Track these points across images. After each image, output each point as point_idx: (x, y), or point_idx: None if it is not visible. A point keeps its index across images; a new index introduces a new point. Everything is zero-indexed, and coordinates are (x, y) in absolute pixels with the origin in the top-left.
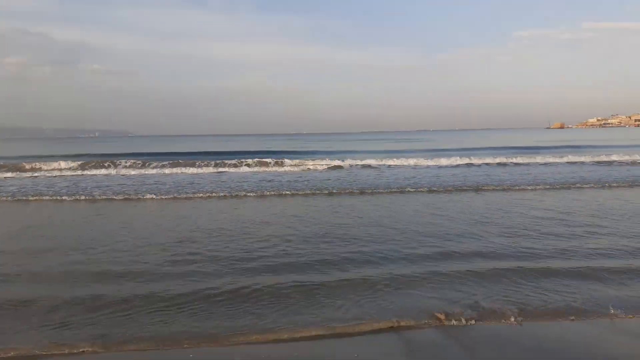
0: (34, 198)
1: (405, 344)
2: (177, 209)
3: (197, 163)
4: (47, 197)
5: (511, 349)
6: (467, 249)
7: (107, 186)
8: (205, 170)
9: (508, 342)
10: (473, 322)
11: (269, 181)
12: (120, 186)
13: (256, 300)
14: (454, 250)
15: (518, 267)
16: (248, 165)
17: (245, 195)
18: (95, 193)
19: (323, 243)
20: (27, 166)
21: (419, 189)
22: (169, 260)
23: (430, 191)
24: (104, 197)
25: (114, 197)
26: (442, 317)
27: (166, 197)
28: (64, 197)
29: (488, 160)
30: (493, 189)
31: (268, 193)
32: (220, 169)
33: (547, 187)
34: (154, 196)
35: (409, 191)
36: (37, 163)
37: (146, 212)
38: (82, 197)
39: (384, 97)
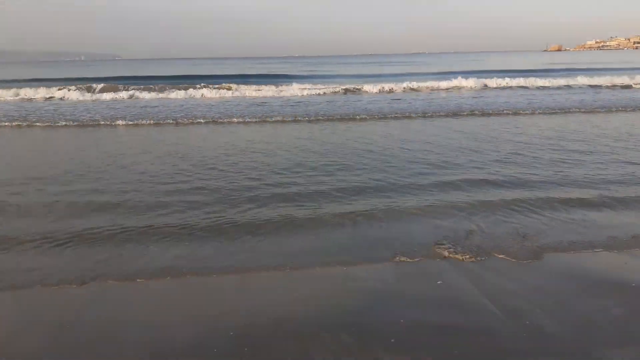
0: (12, 123)
1: (400, 273)
2: (166, 135)
3: (185, 87)
4: (26, 124)
5: (520, 279)
6: (466, 177)
7: (93, 111)
8: (194, 93)
9: (515, 272)
10: (473, 254)
11: (260, 105)
12: (107, 111)
13: (250, 232)
14: (453, 179)
15: (521, 196)
16: (239, 89)
17: (237, 122)
18: (82, 118)
19: (315, 172)
20: (6, 91)
21: (412, 114)
22: (160, 190)
23: (424, 116)
24: (90, 123)
25: (101, 123)
26: (442, 248)
27: (152, 122)
28: (40, 124)
29: (486, 82)
30: (494, 114)
31: (254, 120)
32: (211, 94)
33: (544, 111)
34: (140, 122)
35: (407, 116)
36: (14, 88)
37: (133, 139)
38: (63, 123)
39: (380, 18)
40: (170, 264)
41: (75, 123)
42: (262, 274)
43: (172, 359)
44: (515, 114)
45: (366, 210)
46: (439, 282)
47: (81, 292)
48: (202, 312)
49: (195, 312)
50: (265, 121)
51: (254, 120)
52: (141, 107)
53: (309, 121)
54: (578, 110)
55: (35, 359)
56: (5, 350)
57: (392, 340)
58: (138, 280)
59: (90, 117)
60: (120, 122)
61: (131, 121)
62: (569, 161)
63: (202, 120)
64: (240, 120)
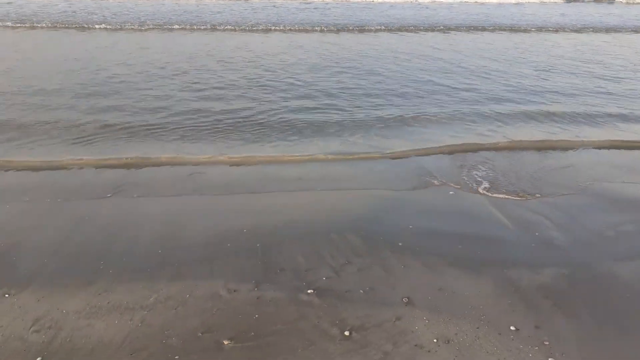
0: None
1: (416, 194)
2: (181, 41)
3: None
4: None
5: (540, 199)
6: (498, 106)
7: (90, 11)
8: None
9: (535, 200)
10: (496, 188)
11: (275, 7)
12: (99, 12)
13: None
14: (485, 109)
15: (556, 130)
16: None
17: (250, 30)
18: (91, 20)
19: (334, 99)
20: None
21: (440, 26)
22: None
23: (445, 30)
24: (97, 26)
25: (109, 27)
26: (463, 176)
27: (169, 28)
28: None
29: None
30: (521, 30)
31: (256, 27)
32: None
33: (578, 29)
34: (145, 25)
35: (434, 29)
36: None
37: (149, 45)
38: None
39: None
40: (188, 180)
41: (90, 26)
42: (277, 193)
43: (183, 249)
44: (555, 31)
45: (391, 148)
46: (450, 193)
47: (105, 201)
48: (218, 215)
49: (211, 215)
50: (291, 29)
51: (256, 28)
52: (157, 11)
53: (321, 31)
54: (622, 29)
55: (60, 248)
56: (43, 235)
57: (400, 244)
58: (158, 195)
59: (98, 18)
60: (100, 25)
61: (147, 25)
62: (615, 89)
63: (202, 27)
64: (257, 28)
